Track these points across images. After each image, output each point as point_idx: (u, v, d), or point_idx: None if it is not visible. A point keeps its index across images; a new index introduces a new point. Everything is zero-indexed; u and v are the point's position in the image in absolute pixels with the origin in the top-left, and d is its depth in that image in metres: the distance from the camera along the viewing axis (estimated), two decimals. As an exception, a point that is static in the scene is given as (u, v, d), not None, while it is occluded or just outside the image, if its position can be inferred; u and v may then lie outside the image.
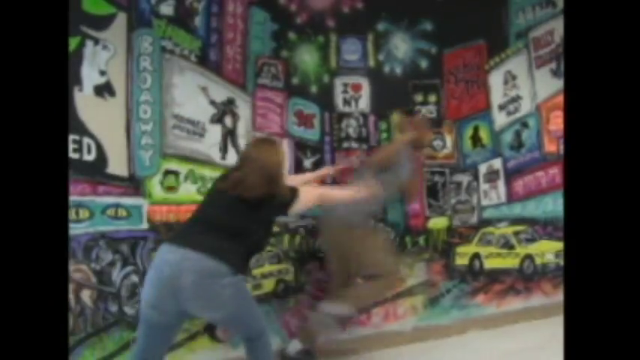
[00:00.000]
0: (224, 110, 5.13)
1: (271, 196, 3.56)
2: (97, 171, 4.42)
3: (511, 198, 6.51)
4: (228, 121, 5.16)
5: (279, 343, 5.11)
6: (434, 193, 6.23)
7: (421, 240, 6.11)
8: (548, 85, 6.63)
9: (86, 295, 4.34)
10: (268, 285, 5.26)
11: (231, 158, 5.13)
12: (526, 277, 6.49)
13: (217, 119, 5.09)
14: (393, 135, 6.03)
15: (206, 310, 3.32)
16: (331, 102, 5.81)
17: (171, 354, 4.61)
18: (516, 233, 6.46)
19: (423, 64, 6.23)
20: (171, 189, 4.78)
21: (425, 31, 6.22)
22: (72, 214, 4.25)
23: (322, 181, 5.38)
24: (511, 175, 6.51)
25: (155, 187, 4.70)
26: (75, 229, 4.27)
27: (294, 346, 4.73)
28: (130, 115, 4.61)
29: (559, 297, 6.43)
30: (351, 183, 5.21)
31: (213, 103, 5.06)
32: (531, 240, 6.53)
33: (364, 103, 5.96)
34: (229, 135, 5.16)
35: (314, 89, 5.71)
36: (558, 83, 6.57)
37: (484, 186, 6.44)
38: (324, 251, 5.33)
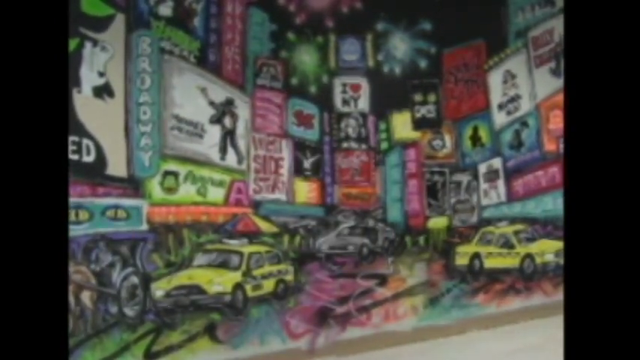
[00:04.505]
0: (223, 111, 5.13)
1: None
2: (96, 172, 4.40)
3: (511, 197, 6.50)
4: (227, 121, 5.15)
5: (279, 343, 5.13)
6: (434, 192, 6.23)
7: (421, 240, 6.11)
8: (548, 84, 6.61)
9: (86, 297, 4.33)
10: (268, 285, 5.25)
11: (231, 159, 5.13)
12: (526, 277, 6.47)
13: (216, 120, 5.08)
14: (391, 135, 6.06)
15: None
16: (330, 102, 5.81)
17: (171, 355, 4.60)
18: (516, 232, 6.45)
19: (423, 63, 6.22)
20: (170, 190, 4.77)
21: (424, 30, 6.21)
22: (72, 216, 4.22)
23: (322, 181, 5.41)
24: (511, 174, 6.50)
25: (154, 188, 4.69)
26: (75, 231, 4.25)
27: None
28: (129, 117, 4.59)
29: (559, 296, 6.42)
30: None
31: (212, 103, 5.06)
32: (531, 239, 6.51)
33: (363, 103, 5.96)
34: (229, 135, 5.16)
35: (313, 89, 5.70)
36: (557, 82, 6.55)
37: (484, 185, 6.44)
38: None
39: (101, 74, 4.46)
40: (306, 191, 5.61)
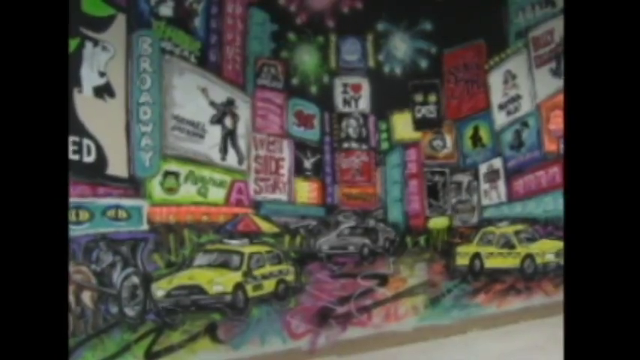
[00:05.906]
0: (224, 111, 5.13)
1: None
2: (97, 172, 4.40)
3: (511, 197, 6.49)
4: (228, 121, 5.15)
5: (279, 343, 5.12)
6: (434, 193, 6.23)
7: (422, 240, 6.11)
8: (548, 85, 6.60)
9: (87, 297, 4.33)
10: (269, 285, 5.25)
11: (231, 159, 5.13)
12: (527, 277, 6.47)
13: (217, 120, 5.08)
14: (392, 135, 6.06)
15: None
16: (331, 102, 5.81)
17: (171, 356, 4.60)
18: (517, 233, 6.44)
19: (423, 64, 6.22)
20: (171, 190, 4.77)
21: (424, 31, 6.21)
22: (72, 216, 4.22)
23: (323, 181, 5.42)
24: (511, 174, 6.50)
25: (155, 188, 4.69)
26: (75, 231, 4.24)
27: None
28: (130, 117, 4.59)
29: (560, 296, 6.41)
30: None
31: (212, 104, 5.06)
32: (532, 239, 6.51)
33: (364, 103, 5.96)
34: (229, 136, 5.16)
35: (314, 90, 5.70)
36: (558, 82, 6.55)
37: (484, 186, 6.44)
38: None
39: (102, 74, 4.46)
40: (306, 191, 5.61)
